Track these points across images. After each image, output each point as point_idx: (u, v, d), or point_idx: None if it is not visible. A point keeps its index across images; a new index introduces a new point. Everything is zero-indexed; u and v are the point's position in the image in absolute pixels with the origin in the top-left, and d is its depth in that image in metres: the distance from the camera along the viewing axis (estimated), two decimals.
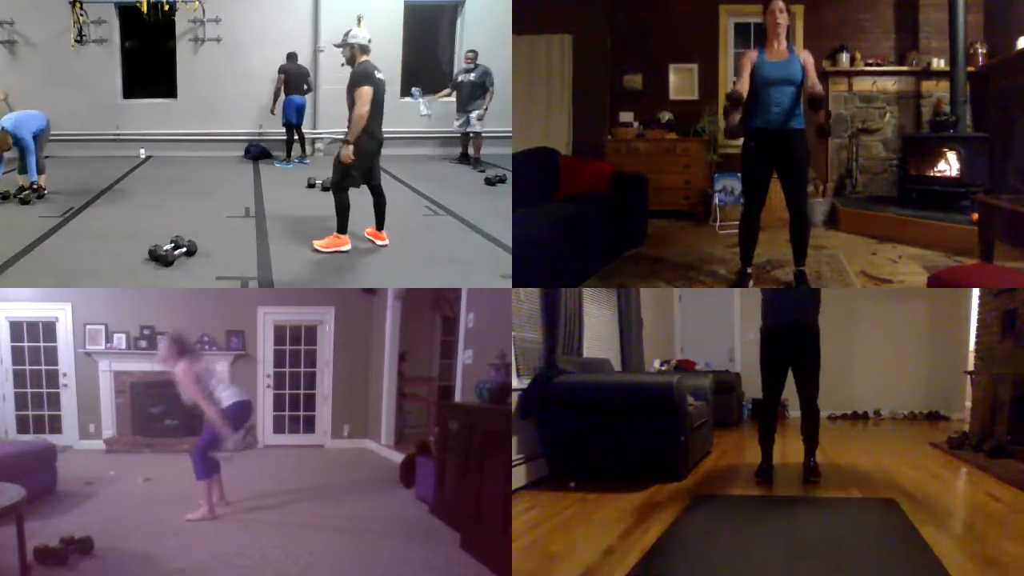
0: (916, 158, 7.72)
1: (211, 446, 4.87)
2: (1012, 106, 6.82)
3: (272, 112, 9.27)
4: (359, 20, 9.59)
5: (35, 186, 6.69)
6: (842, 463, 5.94)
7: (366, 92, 4.95)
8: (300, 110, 9.22)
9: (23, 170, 6.72)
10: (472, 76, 8.73)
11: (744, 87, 4.86)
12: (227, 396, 4.83)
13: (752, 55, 4.95)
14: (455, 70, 9.52)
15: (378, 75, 5.05)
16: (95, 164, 8.50)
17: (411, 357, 8.97)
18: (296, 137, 9.32)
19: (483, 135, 8.93)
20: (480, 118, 8.77)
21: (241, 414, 4.84)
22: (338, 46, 5.21)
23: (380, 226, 5.49)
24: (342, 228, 5.26)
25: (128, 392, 8.47)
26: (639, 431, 5.08)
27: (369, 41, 5.10)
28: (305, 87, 9.27)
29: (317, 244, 5.27)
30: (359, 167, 5.08)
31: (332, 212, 5.33)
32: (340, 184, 5.17)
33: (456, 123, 8.97)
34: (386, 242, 5.46)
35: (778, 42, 4.90)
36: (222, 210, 6.57)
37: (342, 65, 5.32)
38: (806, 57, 4.92)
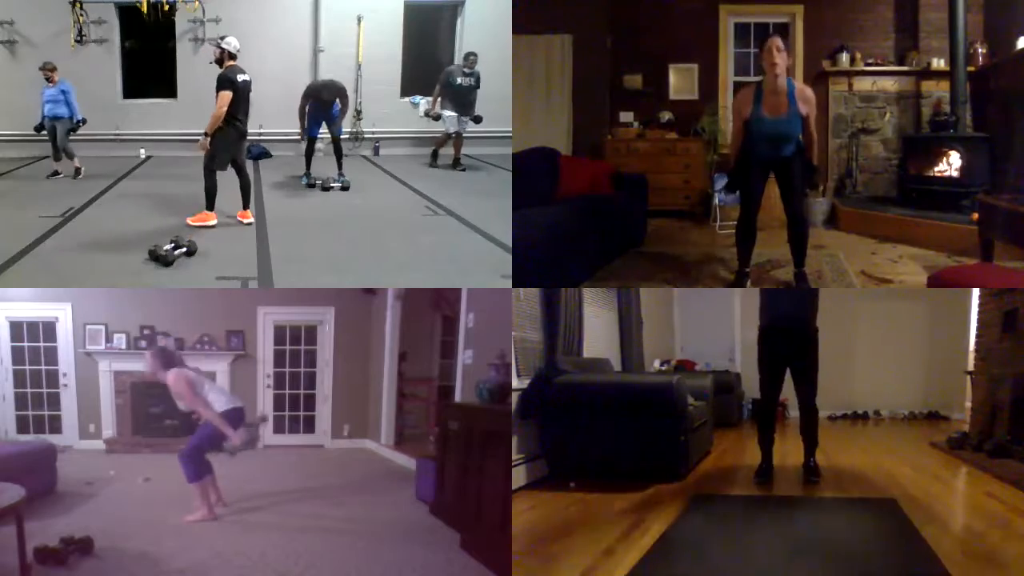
0: (916, 158, 7.72)
1: (206, 448, 4.85)
2: (1012, 106, 6.82)
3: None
4: (359, 20, 9.71)
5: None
6: (842, 463, 5.94)
7: (224, 96, 5.70)
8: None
9: (58, 156, 7.94)
10: (472, 80, 8.51)
11: (735, 147, 4.89)
12: (220, 403, 4.81)
13: (747, 106, 4.83)
14: (449, 69, 9.43)
15: (241, 78, 5.77)
16: (95, 164, 8.50)
17: (411, 357, 8.96)
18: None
19: (481, 136, 8.88)
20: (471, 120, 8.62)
21: (234, 420, 4.82)
22: (213, 44, 5.99)
23: (245, 205, 6.11)
24: (210, 206, 5.94)
25: (128, 392, 8.46)
26: (639, 431, 5.07)
27: (238, 50, 5.91)
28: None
29: (190, 220, 5.91)
30: (224, 153, 5.84)
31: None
32: (209, 166, 5.85)
33: (447, 124, 8.61)
34: (251, 220, 6.08)
35: (776, 94, 4.75)
36: (222, 210, 6.57)
37: (210, 63, 6.08)
38: (808, 111, 4.79)
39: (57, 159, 8.01)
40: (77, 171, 7.96)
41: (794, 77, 5.15)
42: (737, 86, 7.90)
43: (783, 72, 4.73)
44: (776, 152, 4.85)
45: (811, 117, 4.82)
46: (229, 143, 5.85)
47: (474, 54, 8.50)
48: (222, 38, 5.95)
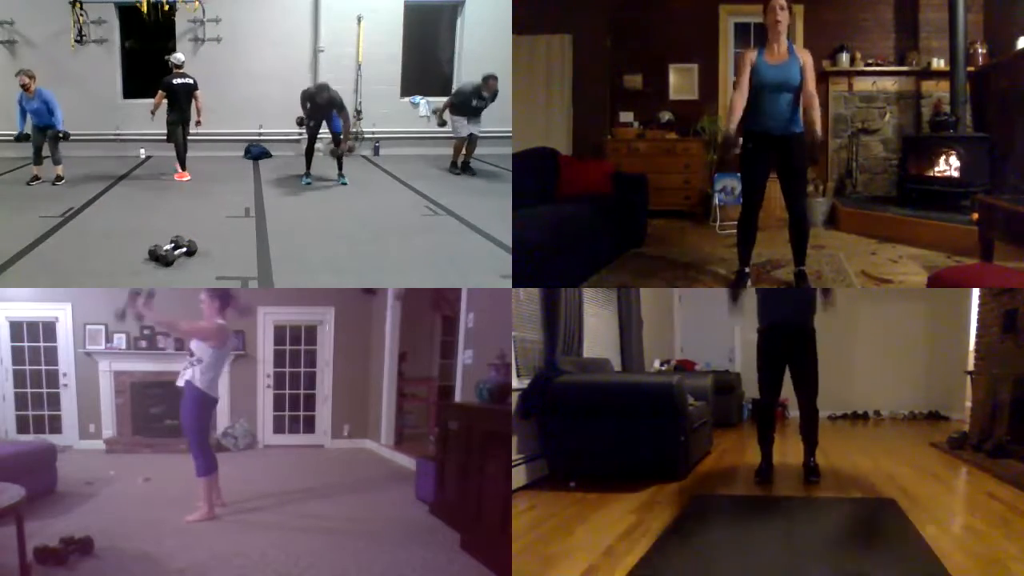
0: (916, 158, 7.72)
1: (204, 419, 4.77)
2: (1012, 106, 6.82)
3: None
4: (359, 20, 9.71)
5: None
6: (842, 463, 5.94)
7: (158, 94, 7.74)
8: None
9: (39, 161, 7.56)
10: (487, 102, 8.23)
11: (742, 95, 4.87)
12: (202, 381, 4.71)
13: (751, 56, 4.93)
14: (458, 78, 9.29)
15: (177, 81, 7.72)
16: (95, 164, 8.51)
17: (411, 357, 8.97)
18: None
19: (481, 135, 8.74)
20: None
21: (202, 405, 4.72)
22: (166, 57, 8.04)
23: (182, 168, 7.99)
24: (183, 166, 8.02)
25: (128, 392, 8.46)
26: (639, 431, 5.08)
27: (182, 62, 7.86)
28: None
29: (176, 177, 7.99)
30: (172, 130, 7.85)
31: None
32: (167, 139, 7.97)
33: (458, 128, 8.37)
34: (188, 178, 7.95)
35: (778, 44, 4.88)
36: (222, 210, 6.58)
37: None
38: (806, 59, 4.89)
39: (38, 163, 7.57)
40: (58, 177, 7.50)
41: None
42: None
43: (784, 29, 4.87)
44: (777, 122, 4.84)
45: (809, 69, 4.87)
46: (173, 124, 7.78)
47: (494, 77, 8.08)
48: (172, 54, 7.97)
